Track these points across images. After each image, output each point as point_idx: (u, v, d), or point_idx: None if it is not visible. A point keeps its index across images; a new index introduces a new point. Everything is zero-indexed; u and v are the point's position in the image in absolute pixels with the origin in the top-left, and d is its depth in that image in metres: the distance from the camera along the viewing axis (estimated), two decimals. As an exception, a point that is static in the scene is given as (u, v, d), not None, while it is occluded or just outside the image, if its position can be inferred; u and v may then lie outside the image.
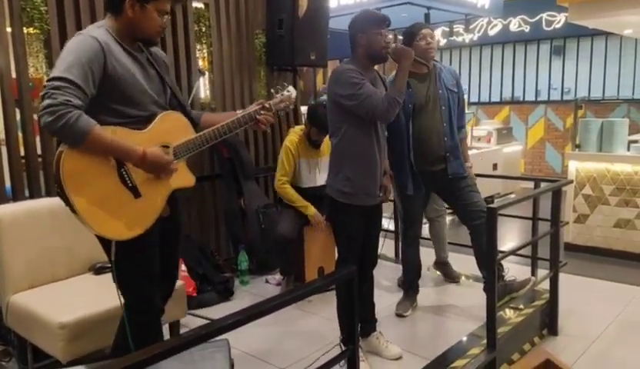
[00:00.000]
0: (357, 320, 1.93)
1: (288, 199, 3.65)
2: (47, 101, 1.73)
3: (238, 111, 2.22)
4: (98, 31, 1.92)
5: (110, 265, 2.70)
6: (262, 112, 2.17)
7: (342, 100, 2.53)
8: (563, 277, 3.36)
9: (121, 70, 1.91)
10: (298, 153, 3.66)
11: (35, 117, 3.19)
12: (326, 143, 3.56)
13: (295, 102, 2.37)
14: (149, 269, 2.09)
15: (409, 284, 3.46)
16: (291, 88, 2.29)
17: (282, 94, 2.26)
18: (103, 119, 1.87)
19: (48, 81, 1.78)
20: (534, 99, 9.79)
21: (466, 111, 4.35)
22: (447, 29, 8.85)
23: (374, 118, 2.53)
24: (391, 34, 2.69)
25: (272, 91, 2.29)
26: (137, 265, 2.04)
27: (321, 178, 3.56)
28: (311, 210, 3.60)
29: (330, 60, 4.65)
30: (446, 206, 3.71)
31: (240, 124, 2.14)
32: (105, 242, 2.00)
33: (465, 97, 7.09)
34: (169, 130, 2.03)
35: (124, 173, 1.91)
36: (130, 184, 1.92)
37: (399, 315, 3.32)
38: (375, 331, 2.90)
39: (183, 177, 2.08)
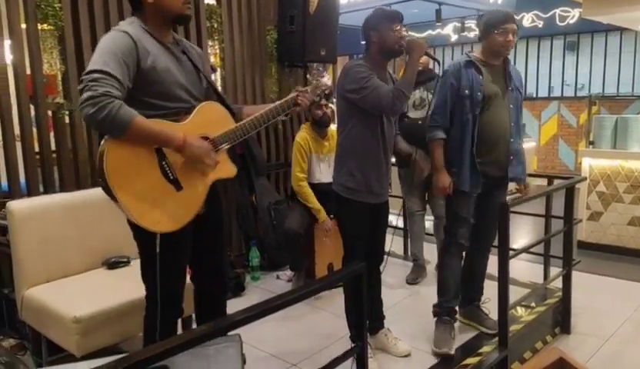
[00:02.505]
0: (365, 317, 1.92)
1: (304, 199, 3.65)
2: (87, 94, 1.73)
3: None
4: (130, 27, 1.92)
5: (125, 260, 2.79)
6: (300, 98, 2.19)
7: (349, 94, 2.52)
8: (576, 276, 3.33)
9: (154, 63, 1.92)
10: (309, 148, 3.67)
11: (50, 113, 3.23)
12: (334, 138, 3.56)
13: (331, 87, 2.33)
14: (181, 264, 2.12)
15: (447, 309, 2.89)
16: (325, 73, 2.30)
17: (317, 80, 2.27)
18: (140, 113, 1.86)
19: (86, 74, 1.78)
20: (547, 95, 9.70)
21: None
22: (458, 25, 8.81)
23: (380, 110, 2.49)
24: (404, 29, 2.66)
25: (308, 76, 2.31)
26: (173, 260, 2.06)
27: (330, 174, 3.57)
28: (322, 215, 3.60)
29: (339, 56, 4.64)
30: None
31: (279, 111, 2.14)
32: (144, 236, 1.98)
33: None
34: (208, 121, 2.02)
35: (165, 166, 1.90)
36: (171, 177, 1.91)
37: (445, 354, 2.74)
38: (384, 328, 2.90)
39: (224, 168, 2.06)
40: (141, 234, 2.00)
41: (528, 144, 7.99)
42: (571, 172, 8.62)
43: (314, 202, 3.62)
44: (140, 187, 1.85)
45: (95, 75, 1.75)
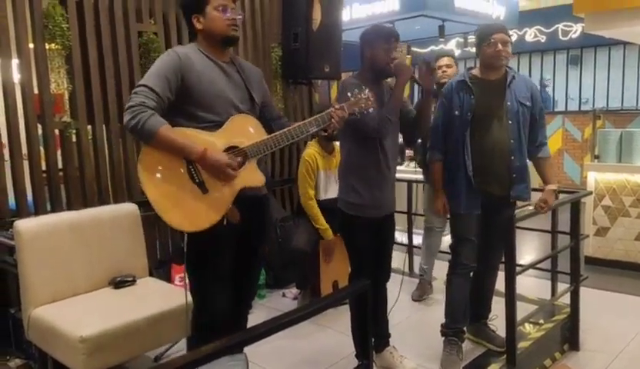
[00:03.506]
0: (370, 335, 1.92)
1: (312, 216, 3.63)
2: (128, 104, 1.97)
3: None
4: (183, 48, 2.16)
5: (131, 279, 2.79)
6: (336, 113, 2.17)
7: None
8: (584, 291, 3.31)
9: (199, 77, 2.08)
10: (317, 165, 3.67)
11: (57, 131, 3.26)
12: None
13: (371, 104, 2.26)
14: (216, 273, 2.16)
15: (455, 329, 2.85)
16: (367, 91, 2.27)
17: (356, 97, 2.23)
18: (180, 122, 2.06)
19: (134, 88, 2.04)
20: (551, 110, 9.71)
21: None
22: (461, 40, 8.85)
23: (367, 134, 2.49)
24: (400, 48, 2.66)
25: (349, 93, 2.26)
26: (205, 266, 2.14)
27: (336, 191, 3.57)
28: (328, 234, 3.59)
29: (344, 72, 4.68)
30: None
31: (312, 125, 2.16)
32: (188, 241, 2.12)
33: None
34: (239, 131, 2.12)
35: (192, 169, 2.03)
36: (197, 180, 2.03)
37: None
38: (389, 346, 2.88)
39: (252, 177, 2.13)
40: (189, 242, 2.12)
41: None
42: (577, 186, 8.59)
43: (321, 222, 3.60)
44: (167, 186, 2.02)
45: (137, 89, 2.00)
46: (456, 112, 2.70)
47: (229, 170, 2.01)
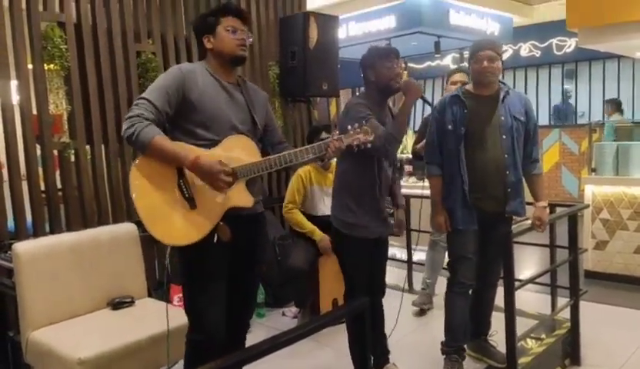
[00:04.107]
0: (369, 353, 1.91)
1: (295, 223, 3.66)
2: (127, 115, 2.03)
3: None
4: (190, 65, 2.22)
5: (129, 300, 2.78)
6: (333, 143, 2.15)
7: None
8: (584, 306, 3.30)
9: (200, 95, 2.11)
10: (310, 180, 3.68)
11: (55, 152, 3.27)
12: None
13: (369, 139, 2.20)
14: (208, 291, 2.16)
15: (455, 347, 2.84)
16: (367, 127, 2.22)
17: (355, 130, 2.19)
18: (178, 138, 2.10)
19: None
20: (547, 123, 9.76)
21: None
22: (457, 55, 8.93)
23: (372, 153, 2.47)
24: (401, 65, 2.68)
25: (349, 126, 2.21)
26: (196, 283, 2.16)
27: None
28: (317, 234, 3.58)
29: (342, 89, 4.71)
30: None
31: (308, 153, 2.16)
32: (181, 258, 2.18)
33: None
34: (233, 151, 2.14)
35: (182, 184, 2.06)
36: (187, 195, 2.06)
37: None
38: (389, 363, 2.86)
39: (241, 197, 2.14)
40: (178, 260, 2.17)
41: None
42: (575, 200, 8.59)
43: (306, 225, 3.61)
44: (156, 199, 2.04)
45: (138, 101, 2.06)
46: (449, 127, 2.72)
47: (222, 175, 2.02)
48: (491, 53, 2.66)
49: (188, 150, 2.05)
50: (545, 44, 9.31)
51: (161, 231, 2.03)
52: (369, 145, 2.20)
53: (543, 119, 9.88)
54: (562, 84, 9.70)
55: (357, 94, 2.72)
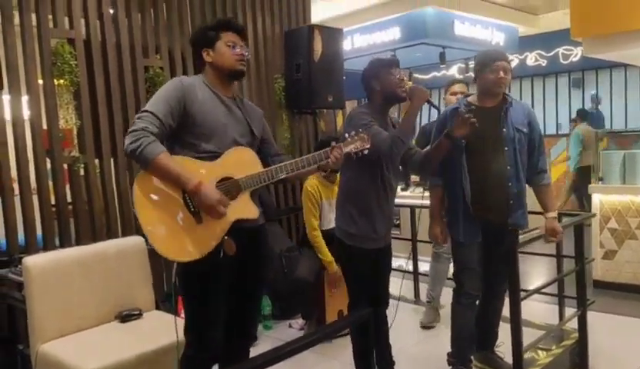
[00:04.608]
0: (373, 364, 1.91)
1: (316, 248, 3.64)
2: (130, 128, 2.00)
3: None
4: (190, 78, 2.21)
5: (137, 312, 2.80)
6: (333, 152, 2.20)
7: None
8: (593, 316, 3.28)
9: (201, 107, 2.11)
10: (320, 195, 3.69)
11: (65, 166, 3.32)
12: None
13: (366, 145, 2.26)
14: (209, 306, 2.16)
15: (460, 358, 2.84)
16: (364, 134, 2.27)
17: (352, 137, 2.25)
18: (179, 151, 2.10)
19: (137, 113, 2.07)
20: (554, 133, 9.73)
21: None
22: (463, 66, 8.95)
23: (378, 156, 2.49)
24: (404, 74, 2.70)
25: (346, 134, 2.28)
26: (198, 299, 2.15)
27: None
28: (333, 267, 3.58)
29: (348, 100, 4.74)
30: None
31: (310, 162, 2.20)
32: (181, 274, 2.14)
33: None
34: (235, 163, 2.15)
35: (188, 198, 2.04)
36: (192, 209, 2.04)
37: None
38: (393, 374, 2.86)
39: (245, 209, 2.15)
40: (180, 273, 2.14)
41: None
42: (585, 209, 8.55)
43: (326, 254, 3.60)
44: (162, 215, 2.02)
45: (141, 114, 2.04)
46: None
47: (220, 207, 2.03)
48: (506, 64, 2.68)
49: (190, 173, 2.03)
50: (551, 53, 9.31)
51: (167, 248, 2.01)
52: (366, 152, 2.25)
53: (550, 128, 9.86)
54: (569, 94, 9.68)
55: (361, 104, 2.75)
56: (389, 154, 2.49)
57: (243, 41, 2.25)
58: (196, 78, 2.23)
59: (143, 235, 2.06)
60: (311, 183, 3.70)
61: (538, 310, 3.91)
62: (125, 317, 2.76)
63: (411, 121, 2.54)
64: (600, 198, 4.80)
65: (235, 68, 2.21)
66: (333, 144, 2.24)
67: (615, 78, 9.17)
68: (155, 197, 2.03)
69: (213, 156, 2.12)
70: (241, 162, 2.17)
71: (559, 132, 9.69)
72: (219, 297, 2.18)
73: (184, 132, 2.11)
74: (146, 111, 2.04)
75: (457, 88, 3.75)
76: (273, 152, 2.43)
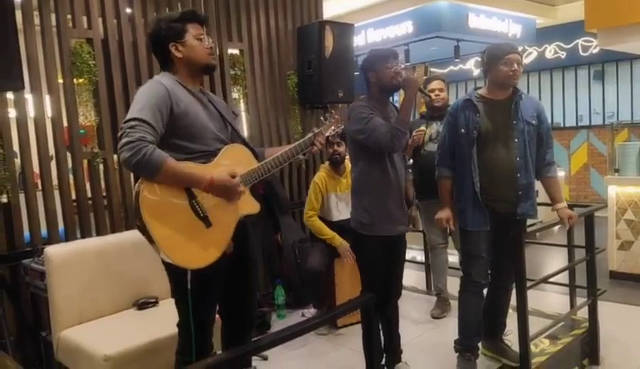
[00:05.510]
0: (376, 348, 1.96)
1: (316, 230, 3.75)
2: (125, 139, 1.91)
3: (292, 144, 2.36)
4: (164, 78, 2.12)
5: (153, 300, 2.90)
6: (316, 138, 2.31)
7: (354, 135, 2.67)
8: (608, 306, 3.29)
9: (185, 109, 2.07)
10: (326, 188, 3.78)
11: (85, 162, 3.44)
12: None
13: (342, 126, 2.46)
14: (212, 303, 2.22)
15: (468, 346, 2.89)
16: (337, 114, 2.44)
17: (329, 121, 2.41)
18: (170, 155, 2.01)
19: (125, 122, 1.97)
20: (574, 125, 9.62)
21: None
22: (479, 59, 8.88)
23: (381, 149, 2.60)
24: (403, 66, 2.79)
25: (322, 118, 2.45)
26: (204, 298, 2.15)
27: (348, 211, 3.65)
28: (337, 240, 3.66)
29: (361, 95, 4.78)
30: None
31: (297, 150, 2.28)
32: (176, 274, 2.11)
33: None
34: (234, 161, 2.16)
35: (195, 204, 2.02)
36: (201, 215, 2.03)
37: None
38: (401, 362, 2.91)
39: (248, 204, 2.19)
40: (174, 273, 2.12)
41: (558, 174, 7.85)
42: (604, 201, 8.45)
43: (326, 232, 3.69)
44: (173, 225, 1.98)
45: (132, 123, 1.94)
46: (462, 130, 2.77)
47: (240, 186, 2.08)
48: (519, 57, 2.73)
49: (201, 170, 2.03)
50: (571, 45, 9.19)
51: (183, 258, 2.00)
52: (340, 130, 2.41)
53: (570, 120, 9.75)
54: (589, 86, 9.55)
55: (360, 97, 2.83)
56: (390, 146, 2.56)
57: (204, 33, 2.20)
58: (167, 76, 2.14)
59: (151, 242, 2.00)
60: (320, 175, 3.83)
61: (551, 301, 3.93)
62: (142, 305, 2.87)
63: (407, 110, 2.62)
64: (616, 190, 4.78)
65: (208, 63, 2.19)
66: (314, 130, 2.33)
67: (636, 70, 9.01)
68: (164, 211, 1.98)
69: (204, 156, 2.10)
70: (239, 159, 2.19)
71: (579, 124, 9.57)
72: (216, 291, 2.21)
73: (169, 135, 2.05)
74: (137, 119, 1.94)
75: (435, 84, 3.83)
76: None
